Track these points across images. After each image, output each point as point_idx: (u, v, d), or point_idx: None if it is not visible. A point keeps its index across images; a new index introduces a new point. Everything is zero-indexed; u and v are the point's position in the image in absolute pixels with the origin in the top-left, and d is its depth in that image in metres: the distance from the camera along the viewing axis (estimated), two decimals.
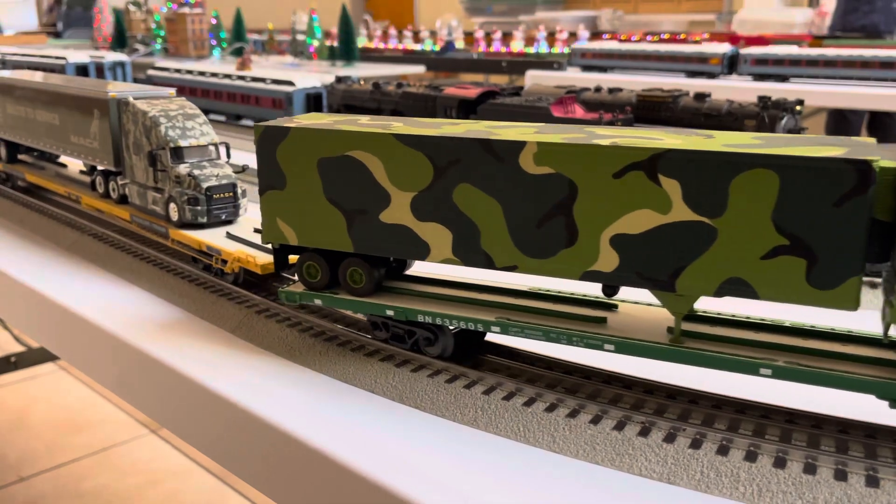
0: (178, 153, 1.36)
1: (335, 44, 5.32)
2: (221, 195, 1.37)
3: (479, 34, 5.45)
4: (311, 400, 0.99)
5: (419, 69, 5.32)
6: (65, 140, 1.66)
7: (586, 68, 4.44)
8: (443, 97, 2.38)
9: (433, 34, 5.98)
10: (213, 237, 1.34)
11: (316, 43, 5.47)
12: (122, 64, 3.86)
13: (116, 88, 1.52)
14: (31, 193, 1.90)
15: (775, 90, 3.26)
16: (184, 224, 1.37)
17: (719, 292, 0.82)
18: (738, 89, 3.65)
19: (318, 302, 1.08)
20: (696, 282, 0.83)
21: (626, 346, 0.90)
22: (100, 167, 1.58)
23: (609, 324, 0.95)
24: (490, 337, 1.07)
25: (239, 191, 1.40)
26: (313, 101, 2.85)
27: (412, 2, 9.68)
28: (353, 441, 0.89)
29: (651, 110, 2.22)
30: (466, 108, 2.33)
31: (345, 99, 2.74)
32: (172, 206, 1.37)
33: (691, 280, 0.83)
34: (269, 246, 1.12)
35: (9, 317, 1.64)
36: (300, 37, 5.78)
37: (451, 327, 1.01)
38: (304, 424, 0.93)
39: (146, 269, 1.41)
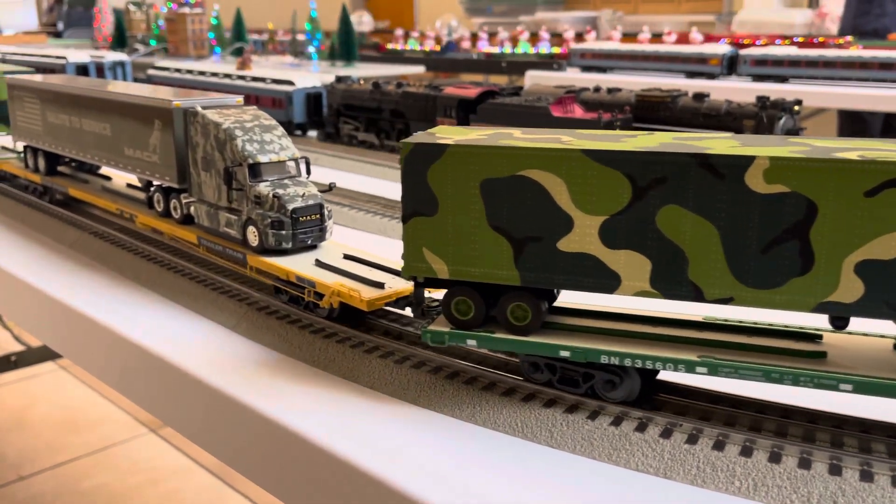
0: (256, 170, 1.22)
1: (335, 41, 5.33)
2: (308, 217, 1.22)
3: (483, 35, 5.46)
4: (310, 396, 1.00)
5: (419, 69, 5.33)
6: (116, 152, 1.52)
7: (586, 68, 4.45)
8: (443, 97, 2.39)
9: (422, 35, 5.99)
10: (300, 265, 1.18)
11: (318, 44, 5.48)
12: (122, 64, 3.86)
13: (179, 96, 1.39)
14: (69, 207, 1.77)
15: (774, 91, 3.27)
16: (265, 250, 1.22)
17: None
18: (737, 90, 3.66)
19: (471, 343, 0.95)
20: None
21: (870, 387, 0.80)
22: (159, 183, 1.44)
23: (830, 359, 0.86)
24: None
25: (326, 212, 1.25)
26: (313, 101, 2.85)
27: (412, 2, 9.68)
28: (352, 436, 0.90)
29: (650, 110, 2.23)
30: (466, 108, 2.34)
31: (345, 98, 2.75)
32: (251, 229, 1.22)
33: None
34: (380, 278, 1.07)
35: (10, 315, 1.65)
36: (300, 36, 5.78)
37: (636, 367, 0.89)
38: (304, 420, 0.93)
39: (147, 267, 1.42)
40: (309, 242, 1.23)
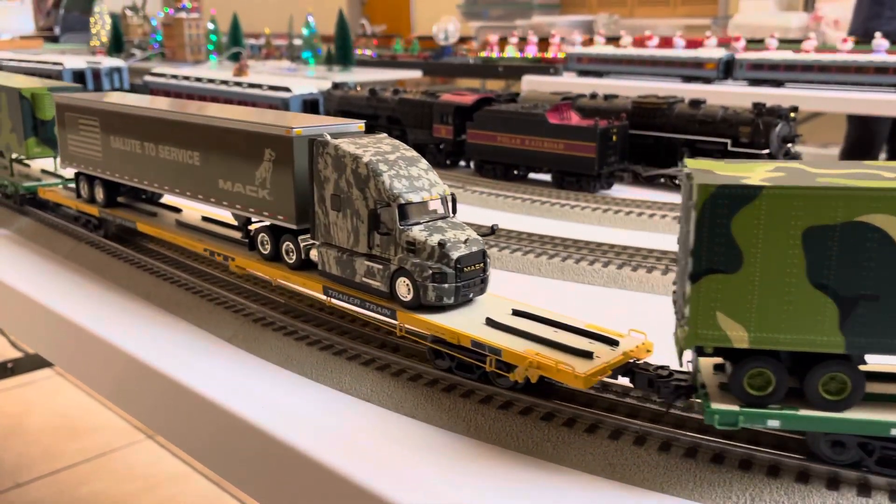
0: (405, 211, 1.03)
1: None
2: (471, 267, 1.03)
3: (494, 39, 5.46)
4: (306, 408, 1.00)
5: (416, 74, 5.33)
6: (207, 185, 1.31)
7: (582, 73, 4.45)
8: (439, 104, 2.39)
9: (406, 40, 6.00)
10: (469, 325, 0.99)
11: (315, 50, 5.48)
12: (118, 69, 3.86)
13: (297, 122, 1.18)
14: (125, 243, 1.59)
15: (771, 95, 3.27)
16: (421, 306, 1.03)
17: None
18: (734, 95, 3.66)
19: (773, 424, 0.79)
20: None
21: None
22: (267, 222, 1.24)
23: None
24: None
25: (487, 260, 1.07)
26: (310, 108, 2.85)
27: (409, 6, 9.69)
28: (349, 450, 0.90)
29: (646, 117, 2.23)
30: (462, 115, 2.34)
31: (341, 105, 2.75)
32: (403, 281, 1.03)
33: None
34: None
35: (6, 324, 1.65)
36: (298, 42, 5.78)
37: None
38: (300, 432, 0.93)
39: (143, 278, 1.42)
40: (470, 297, 1.05)
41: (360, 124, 1.20)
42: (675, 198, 2.06)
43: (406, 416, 0.97)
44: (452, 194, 1.11)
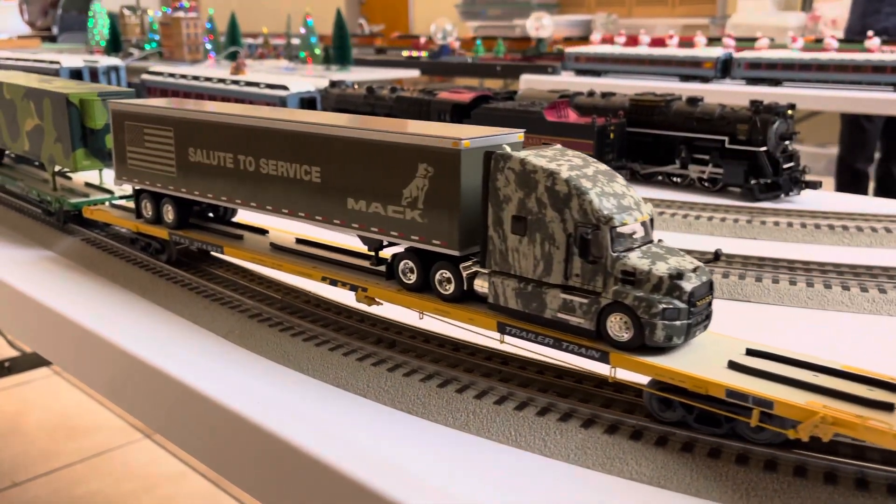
0: (617, 235, 0.89)
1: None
2: (702, 301, 0.89)
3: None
4: (303, 404, 0.99)
5: (413, 73, 5.33)
6: (330, 205, 1.12)
7: (580, 72, 4.45)
8: (437, 102, 2.39)
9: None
10: (707, 369, 0.85)
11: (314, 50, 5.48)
12: (116, 68, 3.85)
13: (458, 133, 1.02)
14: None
15: (768, 94, 3.27)
16: (643, 347, 0.88)
17: None
18: (731, 93, 3.66)
19: None
20: None
21: None
22: (411, 247, 1.06)
23: None
24: (480, 340, 1.07)
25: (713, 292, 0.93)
26: (307, 106, 2.85)
27: (407, 6, 9.69)
28: (345, 445, 0.89)
29: (644, 114, 2.23)
30: (460, 113, 2.34)
31: (339, 103, 2.75)
32: (619, 317, 0.88)
33: None
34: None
35: (3, 322, 1.64)
36: (295, 41, 5.78)
37: None
38: (297, 429, 0.93)
39: (138, 274, 1.41)
40: (697, 335, 0.90)
41: (519, 133, 1.05)
42: (674, 195, 2.06)
43: (403, 411, 0.97)
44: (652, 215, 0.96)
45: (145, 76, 3.68)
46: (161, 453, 3.15)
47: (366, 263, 1.16)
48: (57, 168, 1.72)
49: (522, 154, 0.93)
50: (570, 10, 7.83)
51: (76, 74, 3.68)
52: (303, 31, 5.56)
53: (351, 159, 1.09)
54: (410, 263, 1.06)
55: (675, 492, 0.80)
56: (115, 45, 6.21)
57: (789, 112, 2.10)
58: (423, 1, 9.44)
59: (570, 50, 4.57)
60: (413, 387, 0.99)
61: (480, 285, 1.00)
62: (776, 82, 3.77)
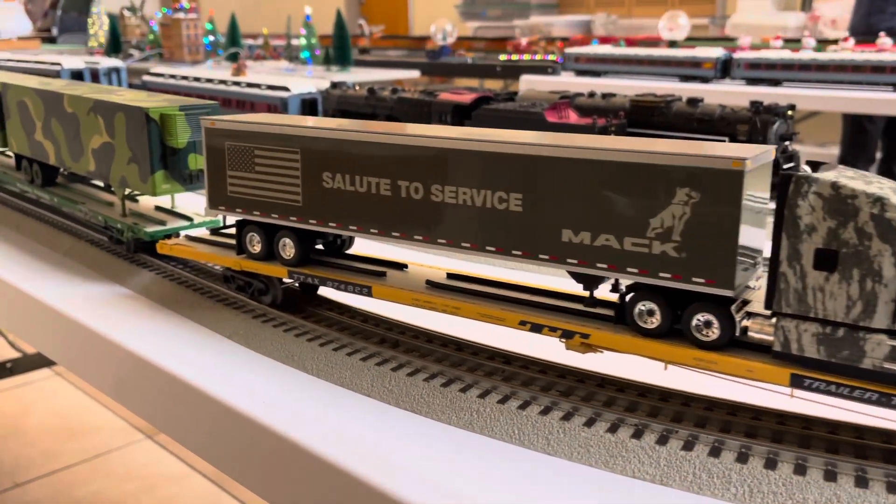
0: None
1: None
2: None
3: (523, 41, 5.47)
4: (307, 404, 1.00)
5: (414, 74, 5.34)
6: (537, 238, 0.97)
7: (580, 73, 4.46)
8: (437, 103, 2.40)
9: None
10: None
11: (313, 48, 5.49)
12: (117, 70, 3.86)
13: (724, 151, 0.87)
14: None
15: (768, 94, 3.28)
16: None
17: None
18: (731, 93, 3.67)
19: None
20: None
21: None
22: (656, 285, 0.90)
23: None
24: (481, 340, 1.08)
25: None
26: (308, 107, 2.86)
27: (406, 7, 9.70)
28: (349, 444, 0.90)
29: (644, 115, 2.23)
30: (461, 114, 2.34)
31: (340, 104, 2.75)
32: None
33: None
34: None
35: (6, 322, 1.65)
36: (296, 42, 5.79)
37: None
38: (302, 428, 0.93)
39: (142, 275, 1.42)
40: None
41: (771, 149, 0.92)
42: None
43: (406, 410, 0.97)
44: None
45: (146, 77, 3.69)
46: (162, 454, 3.16)
47: (545, 300, 1.04)
48: (126, 191, 1.53)
49: (831, 176, 0.80)
50: (570, 11, 7.83)
51: (77, 75, 3.68)
52: (303, 31, 5.57)
53: (571, 184, 0.93)
54: (652, 305, 0.91)
55: (677, 489, 0.81)
56: (115, 46, 6.21)
57: (789, 112, 2.11)
58: (422, 1, 9.45)
59: (569, 50, 4.57)
60: (417, 386, 1.00)
61: (759, 330, 0.88)
62: (776, 83, 3.78)
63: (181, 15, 5.77)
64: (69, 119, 1.58)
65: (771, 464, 0.81)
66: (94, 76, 3.75)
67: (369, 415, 0.97)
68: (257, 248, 1.23)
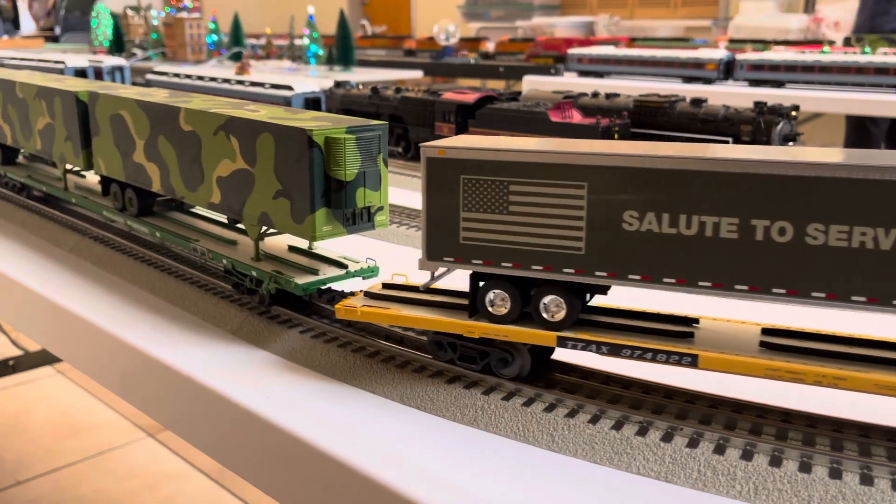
0: None
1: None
2: None
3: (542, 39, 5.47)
4: (312, 401, 1.00)
5: (416, 74, 5.34)
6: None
7: (583, 73, 4.46)
8: (441, 102, 2.40)
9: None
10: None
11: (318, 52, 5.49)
12: (120, 68, 3.87)
13: None
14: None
15: (771, 95, 3.28)
16: None
17: None
18: (734, 95, 3.67)
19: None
20: None
21: None
22: None
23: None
24: None
25: None
26: (312, 106, 2.86)
27: (409, 7, 9.71)
28: (354, 440, 0.90)
29: (648, 115, 2.24)
30: (465, 113, 2.35)
31: (343, 104, 2.76)
32: None
33: None
34: None
35: (11, 319, 1.65)
36: (299, 41, 5.79)
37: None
38: (306, 424, 0.94)
39: (148, 272, 1.42)
40: None
41: None
42: None
43: (412, 407, 0.97)
44: None
45: (150, 76, 3.69)
46: (164, 452, 3.16)
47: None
48: (263, 229, 1.24)
49: None
50: (573, 12, 7.84)
51: (81, 74, 3.69)
52: (306, 31, 5.57)
53: None
54: None
55: (682, 486, 0.81)
56: (118, 45, 6.22)
57: (793, 113, 2.11)
58: (425, 2, 9.45)
59: (572, 51, 4.57)
60: (422, 383, 1.00)
61: None
62: (779, 84, 3.78)
63: (184, 14, 5.78)
64: (186, 138, 1.29)
65: (776, 461, 0.81)
66: (98, 74, 3.75)
67: (374, 411, 0.97)
68: (505, 309, 0.98)
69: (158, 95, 1.44)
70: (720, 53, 4.03)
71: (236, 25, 5.98)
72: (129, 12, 7.01)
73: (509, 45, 5.64)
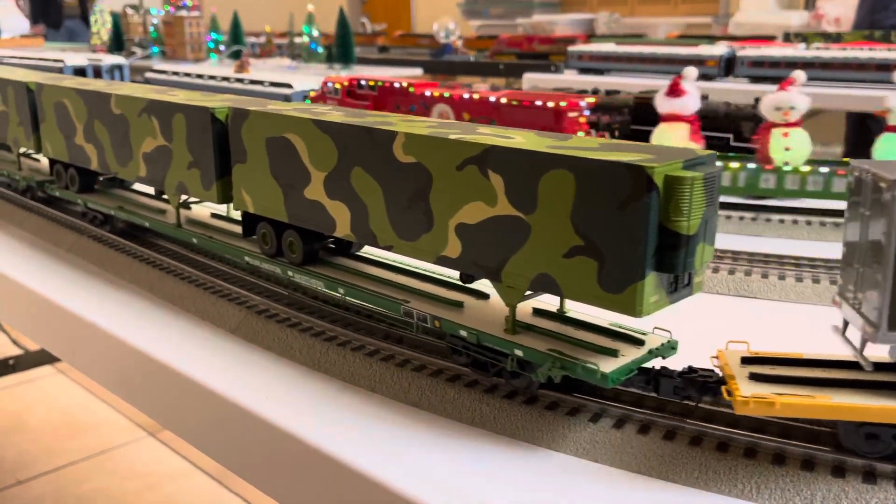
0: None
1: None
2: None
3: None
4: (311, 399, 1.00)
5: (416, 72, 5.33)
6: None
7: (583, 70, 4.45)
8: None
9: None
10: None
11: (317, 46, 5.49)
12: (119, 67, 3.86)
13: None
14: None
15: (772, 92, 3.26)
16: None
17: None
18: (735, 91, 3.66)
19: None
20: None
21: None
22: None
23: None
24: None
25: None
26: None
27: (409, 5, 9.70)
28: (353, 439, 0.90)
29: (648, 112, 2.22)
30: None
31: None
32: None
33: None
34: None
35: (9, 319, 1.65)
36: (298, 39, 5.79)
37: None
38: (305, 423, 0.93)
39: (146, 271, 1.42)
40: None
41: None
42: None
43: (410, 405, 0.97)
44: None
45: (149, 74, 3.69)
46: (164, 451, 3.16)
47: None
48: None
49: None
50: (573, 9, 7.82)
51: (80, 72, 3.68)
52: (307, 30, 5.57)
53: None
54: None
55: (683, 485, 0.81)
56: (118, 43, 6.21)
57: None
58: (424, 0, 9.44)
59: (572, 48, 4.56)
60: (421, 381, 0.99)
61: None
62: (780, 80, 3.77)
63: (184, 13, 5.77)
64: (406, 172, 0.98)
65: (778, 459, 0.81)
66: (97, 73, 3.75)
67: (374, 410, 0.97)
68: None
69: (373, 119, 1.08)
70: (720, 50, 4.02)
71: (236, 24, 5.97)
72: (129, 11, 7.00)
73: (476, 42, 5.71)
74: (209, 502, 2.88)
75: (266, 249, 1.23)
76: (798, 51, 3.83)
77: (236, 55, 5.38)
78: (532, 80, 4.33)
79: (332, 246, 1.23)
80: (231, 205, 1.26)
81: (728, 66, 3.98)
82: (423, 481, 0.82)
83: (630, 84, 3.80)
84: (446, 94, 2.23)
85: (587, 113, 2.00)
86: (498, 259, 0.92)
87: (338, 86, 2.51)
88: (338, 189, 1.07)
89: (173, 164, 1.32)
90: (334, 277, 1.14)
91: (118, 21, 6.38)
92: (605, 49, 4.44)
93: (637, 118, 2.23)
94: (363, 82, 2.44)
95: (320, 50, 5.47)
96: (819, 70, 3.63)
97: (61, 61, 3.77)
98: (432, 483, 0.82)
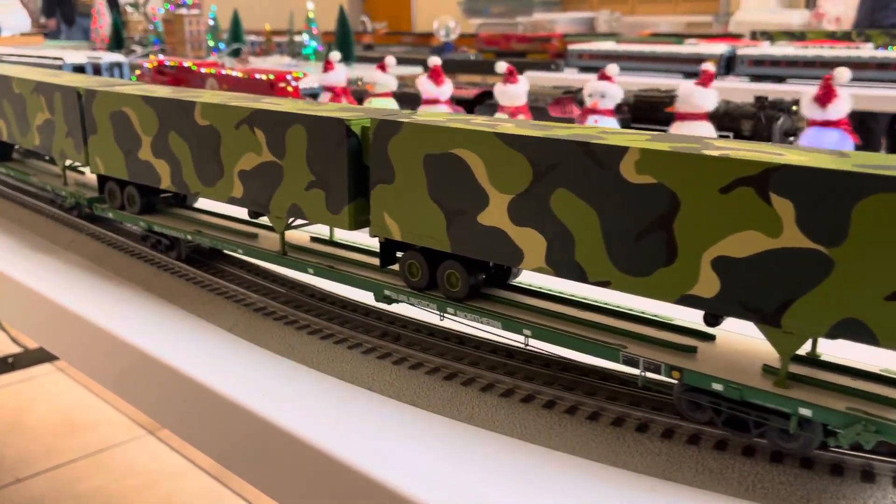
0: None
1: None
2: None
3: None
4: (309, 397, 0.99)
5: (416, 70, 5.33)
6: None
7: (584, 69, 4.45)
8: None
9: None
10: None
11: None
12: (119, 65, 3.85)
13: None
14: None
15: (772, 91, 3.26)
16: None
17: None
18: (735, 90, 3.66)
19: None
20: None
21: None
22: None
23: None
24: (485, 336, 1.07)
25: None
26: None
27: (409, 3, 9.69)
28: (350, 438, 0.89)
29: (648, 110, 2.22)
30: (465, 108, 2.34)
31: None
32: None
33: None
34: None
35: (7, 317, 1.64)
36: (297, 38, 5.78)
37: None
38: (303, 421, 0.93)
39: (143, 268, 1.41)
40: None
41: None
42: None
43: (407, 404, 0.97)
44: None
45: None
46: (164, 450, 3.16)
47: None
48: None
49: None
50: (573, 8, 7.82)
51: (79, 70, 3.68)
52: (305, 27, 5.56)
53: None
54: None
55: (681, 484, 0.80)
56: (117, 41, 6.21)
57: (794, 108, 2.10)
58: None
59: (572, 47, 4.56)
60: (418, 379, 0.99)
61: None
62: (780, 79, 3.76)
63: (184, 11, 5.76)
64: (639, 194, 0.82)
65: (776, 458, 0.80)
66: (97, 71, 3.74)
67: (371, 408, 0.96)
68: None
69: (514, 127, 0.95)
70: (721, 48, 4.02)
71: (235, 22, 5.96)
72: (129, 9, 7.00)
73: (458, 41, 5.75)
74: (208, 501, 2.88)
75: (414, 282, 1.06)
76: (798, 50, 3.83)
77: (236, 53, 5.38)
78: (532, 78, 4.33)
79: (484, 276, 1.05)
80: (352, 230, 1.09)
81: (728, 65, 3.97)
82: (418, 479, 0.82)
83: (630, 83, 3.80)
84: (212, 71, 3.03)
85: (294, 84, 2.73)
86: (778, 300, 0.76)
87: (150, 66, 3.34)
88: (528, 215, 0.90)
89: (285, 184, 1.13)
90: (514, 317, 0.97)
91: (118, 19, 6.38)
92: (605, 48, 4.44)
93: (637, 116, 2.22)
94: (167, 63, 3.28)
95: (316, 48, 5.46)
96: (819, 69, 3.62)
97: (60, 59, 3.77)
98: (428, 481, 0.81)
